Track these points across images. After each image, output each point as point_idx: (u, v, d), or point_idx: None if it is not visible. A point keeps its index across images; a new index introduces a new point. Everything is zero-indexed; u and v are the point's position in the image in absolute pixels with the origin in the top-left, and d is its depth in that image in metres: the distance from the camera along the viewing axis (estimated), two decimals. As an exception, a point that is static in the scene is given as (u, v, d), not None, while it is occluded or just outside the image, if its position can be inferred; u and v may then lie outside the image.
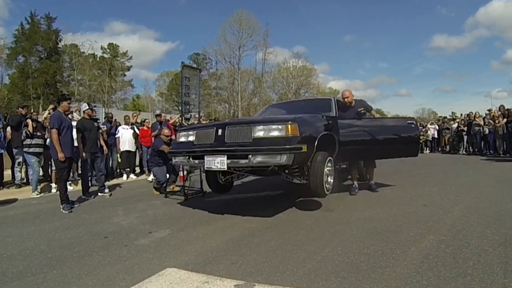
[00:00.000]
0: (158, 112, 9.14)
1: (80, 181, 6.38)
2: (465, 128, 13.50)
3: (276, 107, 6.78)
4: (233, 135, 3.78)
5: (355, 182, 5.44)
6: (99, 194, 6.07)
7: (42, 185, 6.83)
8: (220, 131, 3.86)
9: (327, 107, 5.21)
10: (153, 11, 56.67)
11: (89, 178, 6.37)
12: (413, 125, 5.26)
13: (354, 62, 62.25)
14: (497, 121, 11.38)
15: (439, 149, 15.46)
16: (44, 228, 3.92)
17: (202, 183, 5.79)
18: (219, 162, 3.67)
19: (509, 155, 11.06)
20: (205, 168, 3.85)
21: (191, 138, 4.28)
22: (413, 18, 55.43)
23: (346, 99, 5.26)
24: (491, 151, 12.09)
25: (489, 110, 13.04)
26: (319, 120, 4.31)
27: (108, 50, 36.66)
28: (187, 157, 4.18)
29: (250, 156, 3.50)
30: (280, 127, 3.58)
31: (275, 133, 3.59)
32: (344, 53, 58.35)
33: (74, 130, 5.92)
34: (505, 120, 11.08)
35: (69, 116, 6.89)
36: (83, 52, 32.46)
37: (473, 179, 6.68)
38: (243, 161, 3.58)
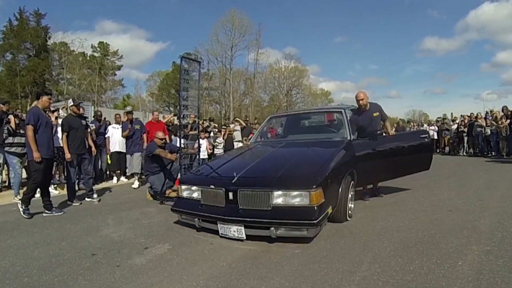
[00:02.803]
0: (128, 108, 8.14)
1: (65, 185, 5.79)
2: (466, 129, 13.23)
3: (279, 120, 6.43)
4: (248, 200, 3.20)
5: (366, 188, 5.03)
6: (87, 199, 5.51)
7: (24, 188, 6.19)
8: (231, 195, 3.26)
9: (339, 124, 4.81)
10: (144, 10, 55.71)
11: (76, 181, 5.78)
12: (426, 139, 4.86)
13: (345, 63, 62.37)
14: (500, 122, 11.12)
15: (438, 150, 15.18)
16: (22, 243, 3.36)
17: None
18: (236, 231, 3.14)
19: (512, 156, 10.81)
20: (220, 235, 3.30)
21: (196, 195, 3.66)
22: (404, 20, 55.75)
23: (361, 101, 4.75)
24: (493, 153, 11.83)
25: (491, 111, 12.81)
26: (341, 161, 3.82)
27: (98, 49, 35.78)
28: (196, 218, 3.54)
29: (272, 228, 2.99)
30: (302, 193, 3.05)
31: (297, 201, 3.07)
32: (334, 54, 58.35)
33: (59, 129, 5.38)
34: (508, 121, 10.81)
35: (55, 113, 6.33)
36: (73, 51, 31.61)
37: (487, 181, 6.34)
38: (263, 232, 3.07)
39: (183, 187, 3.84)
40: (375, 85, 60.45)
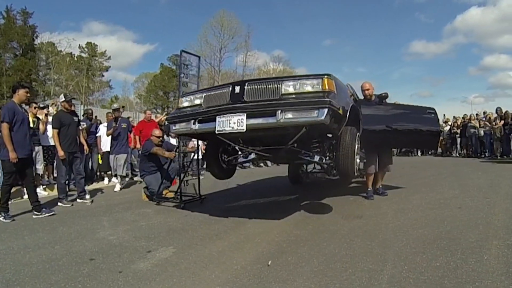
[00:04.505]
0: (115, 106, 7.64)
1: (55, 186, 5.47)
2: (459, 131, 13.33)
3: None
4: (255, 92, 3.03)
5: (371, 187, 4.86)
6: (78, 200, 5.19)
7: (13, 189, 5.84)
8: (237, 89, 3.09)
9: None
10: (132, 12, 54.67)
11: (67, 182, 5.47)
12: (433, 115, 4.77)
13: (333, 66, 61.80)
14: (494, 123, 11.22)
15: (430, 152, 15.20)
16: (12, 247, 3.07)
17: (199, 188, 5.06)
18: (236, 122, 2.92)
19: (506, 156, 10.90)
20: (217, 132, 3.05)
21: (198, 101, 3.46)
22: (393, 24, 56.17)
23: (366, 91, 4.73)
24: (487, 154, 11.93)
25: (484, 112, 12.96)
26: (347, 90, 3.78)
27: (86, 50, 35.07)
28: (192, 121, 3.32)
29: (278, 111, 2.79)
30: (315, 81, 2.94)
31: (309, 88, 2.94)
32: (323, 57, 58.30)
33: (49, 127, 5.08)
34: (502, 122, 10.92)
35: (45, 110, 6.04)
36: (60, 51, 30.85)
37: (488, 180, 6.30)
38: (269, 120, 2.85)
39: (185, 98, 3.66)
40: (363, 88, 60.81)
